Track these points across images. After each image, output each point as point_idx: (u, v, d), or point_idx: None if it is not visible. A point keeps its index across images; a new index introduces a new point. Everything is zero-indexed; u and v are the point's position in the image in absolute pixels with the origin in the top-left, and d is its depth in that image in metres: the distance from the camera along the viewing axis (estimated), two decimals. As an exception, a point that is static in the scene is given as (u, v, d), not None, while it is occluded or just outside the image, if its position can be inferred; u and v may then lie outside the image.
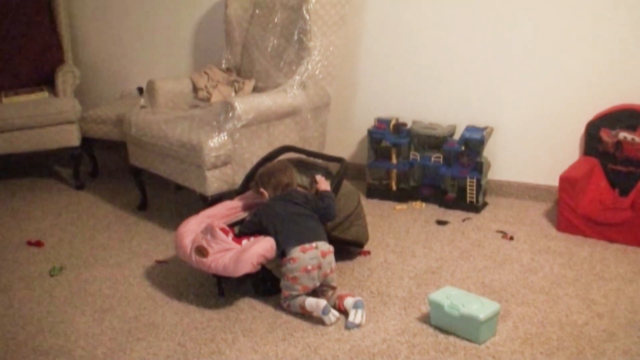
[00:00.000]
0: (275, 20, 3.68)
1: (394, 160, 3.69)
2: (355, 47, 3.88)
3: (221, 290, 2.72)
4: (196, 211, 2.86)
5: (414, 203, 3.66)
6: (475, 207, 3.50)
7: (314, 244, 2.53)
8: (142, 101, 3.69)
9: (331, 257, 2.57)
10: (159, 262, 3.07)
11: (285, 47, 3.59)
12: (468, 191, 3.51)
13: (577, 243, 3.09)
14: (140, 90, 4.35)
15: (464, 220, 3.41)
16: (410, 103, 3.80)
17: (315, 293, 2.57)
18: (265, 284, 2.68)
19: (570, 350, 2.28)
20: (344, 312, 2.51)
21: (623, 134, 3.25)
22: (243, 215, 2.84)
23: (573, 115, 3.41)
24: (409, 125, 3.69)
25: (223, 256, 2.51)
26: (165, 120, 3.40)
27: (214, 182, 3.13)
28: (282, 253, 2.55)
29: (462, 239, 3.19)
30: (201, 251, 2.55)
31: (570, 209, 3.15)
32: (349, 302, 2.50)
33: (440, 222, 3.38)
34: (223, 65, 3.92)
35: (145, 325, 2.55)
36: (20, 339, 2.50)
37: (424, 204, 3.64)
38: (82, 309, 2.69)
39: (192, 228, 2.71)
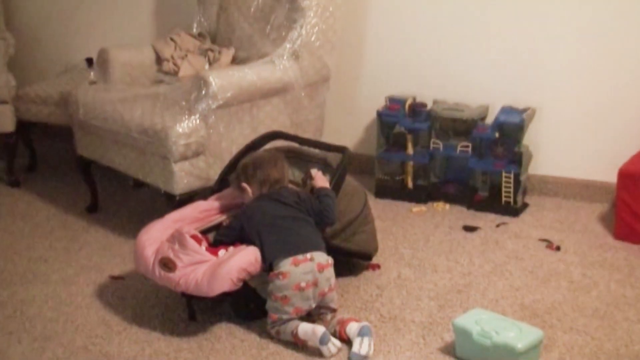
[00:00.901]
0: (261, -28, 3.69)
1: (410, 150, 3.70)
2: (362, 8, 3.87)
3: (192, 313, 2.71)
4: (161, 214, 2.85)
5: (435, 204, 3.67)
6: (513, 209, 3.50)
7: (308, 255, 2.52)
8: (92, 75, 3.69)
9: (330, 272, 2.57)
10: (113, 278, 3.07)
11: (273, 6, 3.59)
12: (503, 189, 3.51)
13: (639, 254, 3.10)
14: (90, 61, 4.35)
15: (498, 225, 3.42)
16: (430, 78, 3.80)
17: (310, 317, 2.57)
18: (247, 305, 2.68)
19: (629, 388, 2.30)
20: (347, 341, 2.50)
21: (698, 118, 3.28)
22: (220, 218, 2.84)
23: (636, 95, 3.42)
24: (429, 105, 3.69)
25: (194, 270, 2.50)
26: (121, 99, 3.40)
27: (183, 178, 3.14)
28: (269, 266, 2.55)
29: (495, 249, 3.20)
30: (167, 264, 2.55)
31: (631, 212, 3.16)
32: (352, 328, 2.49)
33: (469, 228, 3.40)
34: (194, 30, 3.92)
35: (98, 356, 2.53)
36: (-61, 374, 2.51)
37: (447, 205, 3.66)
38: (17, 336, 2.67)
39: (155, 235, 2.70)
